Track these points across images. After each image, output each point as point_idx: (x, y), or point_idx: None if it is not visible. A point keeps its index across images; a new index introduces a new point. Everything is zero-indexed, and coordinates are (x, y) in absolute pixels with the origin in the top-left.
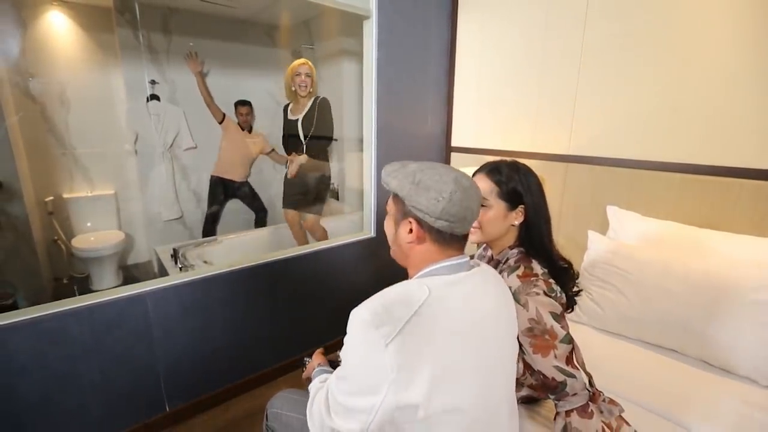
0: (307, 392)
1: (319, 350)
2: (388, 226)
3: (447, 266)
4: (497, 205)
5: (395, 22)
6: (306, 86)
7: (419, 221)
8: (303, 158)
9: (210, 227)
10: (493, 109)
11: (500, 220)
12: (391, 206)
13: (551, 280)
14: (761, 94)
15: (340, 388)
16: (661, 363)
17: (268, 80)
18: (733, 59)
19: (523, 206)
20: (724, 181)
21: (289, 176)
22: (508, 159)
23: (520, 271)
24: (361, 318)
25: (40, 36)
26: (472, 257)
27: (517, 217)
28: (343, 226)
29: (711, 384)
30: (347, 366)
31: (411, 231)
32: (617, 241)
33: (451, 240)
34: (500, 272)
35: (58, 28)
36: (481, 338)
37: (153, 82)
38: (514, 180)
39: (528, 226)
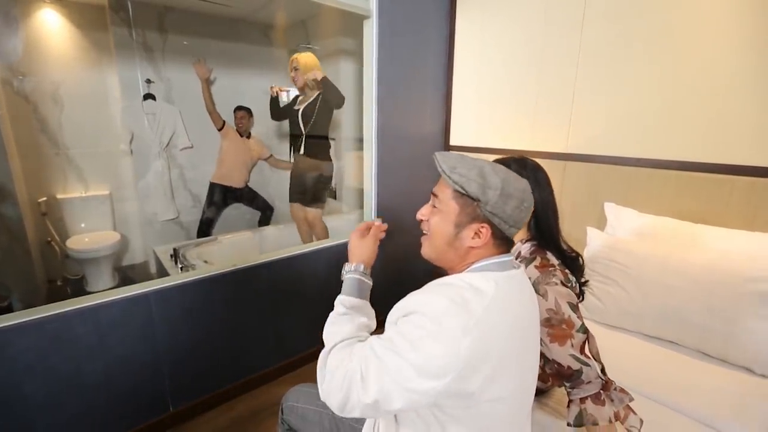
0: None
1: (376, 227)
2: (443, 228)
3: (499, 262)
4: None
5: (395, 21)
6: (296, 80)
7: (493, 227)
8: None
9: (205, 231)
10: (492, 108)
11: None
12: (451, 207)
13: (567, 271)
14: (754, 93)
15: (397, 365)
16: (660, 354)
17: (265, 80)
18: (727, 60)
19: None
20: (718, 178)
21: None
22: (516, 156)
23: (537, 262)
24: (437, 305)
25: (33, 34)
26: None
27: None
28: (341, 226)
29: (709, 374)
30: (411, 348)
31: (477, 235)
32: (616, 237)
33: (509, 243)
34: None
35: (51, 26)
36: (521, 329)
37: (148, 81)
38: (523, 175)
39: (538, 220)
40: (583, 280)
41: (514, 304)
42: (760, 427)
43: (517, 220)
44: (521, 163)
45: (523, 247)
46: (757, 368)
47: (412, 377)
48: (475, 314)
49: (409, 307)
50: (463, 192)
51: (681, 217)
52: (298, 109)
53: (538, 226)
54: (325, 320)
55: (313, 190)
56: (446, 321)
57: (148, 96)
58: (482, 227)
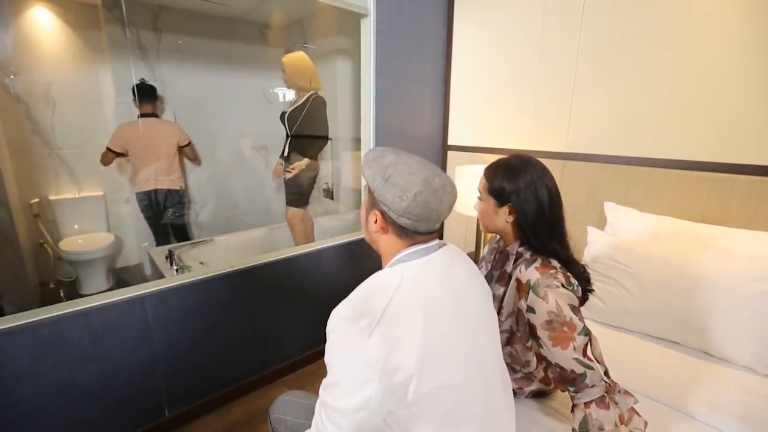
0: (313, 394)
1: None
2: (362, 211)
3: (416, 251)
4: (487, 200)
5: (393, 19)
6: (285, 81)
7: (384, 214)
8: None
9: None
10: (490, 107)
11: (490, 214)
12: (366, 193)
13: (569, 273)
14: (756, 91)
15: (332, 394)
16: (663, 354)
17: (260, 79)
18: (729, 57)
19: (510, 205)
20: (719, 177)
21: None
22: (525, 155)
23: (538, 263)
24: (339, 316)
25: (24, 33)
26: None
27: (508, 215)
28: (338, 226)
29: (712, 374)
30: (335, 368)
31: (376, 221)
32: (618, 237)
33: (414, 234)
34: (517, 265)
35: (44, 25)
36: (461, 310)
37: (143, 81)
38: (500, 178)
39: (520, 226)
40: (590, 288)
41: (438, 287)
42: (763, 427)
43: (405, 210)
44: (510, 166)
45: (521, 248)
46: (760, 368)
47: (341, 401)
48: (378, 311)
49: (328, 324)
50: (364, 176)
51: (681, 216)
52: (285, 113)
53: (523, 233)
54: (323, 322)
55: (295, 191)
56: (350, 328)
57: None
58: (376, 213)
